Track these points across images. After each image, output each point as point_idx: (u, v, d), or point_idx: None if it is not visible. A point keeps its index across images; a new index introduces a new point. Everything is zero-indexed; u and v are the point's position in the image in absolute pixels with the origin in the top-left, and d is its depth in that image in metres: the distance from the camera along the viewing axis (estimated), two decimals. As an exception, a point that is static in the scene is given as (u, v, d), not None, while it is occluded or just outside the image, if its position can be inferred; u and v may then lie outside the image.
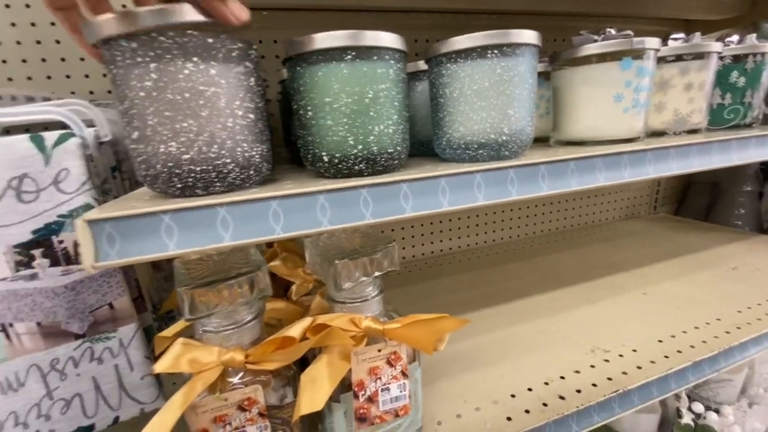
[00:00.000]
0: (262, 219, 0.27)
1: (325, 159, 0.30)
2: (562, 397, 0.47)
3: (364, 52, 0.28)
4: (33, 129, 0.53)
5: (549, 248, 0.93)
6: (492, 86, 0.32)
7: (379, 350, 0.33)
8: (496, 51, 0.31)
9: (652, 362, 0.51)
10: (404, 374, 0.34)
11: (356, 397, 0.32)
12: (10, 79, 0.58)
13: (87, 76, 0.60)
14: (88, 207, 0.35)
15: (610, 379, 0.49)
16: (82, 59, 0.59)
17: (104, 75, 0.61)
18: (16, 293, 0.34)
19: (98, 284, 0.37)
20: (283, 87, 0.47)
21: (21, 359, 0.35)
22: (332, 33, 0.27)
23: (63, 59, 0.59)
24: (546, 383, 0.50)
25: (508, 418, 0.45)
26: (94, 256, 0.24)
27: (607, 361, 0.53)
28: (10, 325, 0.34)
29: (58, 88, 0.59)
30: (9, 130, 0.53)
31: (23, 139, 0.32)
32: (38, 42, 0.58)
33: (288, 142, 0.54)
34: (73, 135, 0.34)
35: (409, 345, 0.33)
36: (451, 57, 0.32)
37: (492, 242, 0.98)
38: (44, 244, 0.34)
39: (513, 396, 0.48)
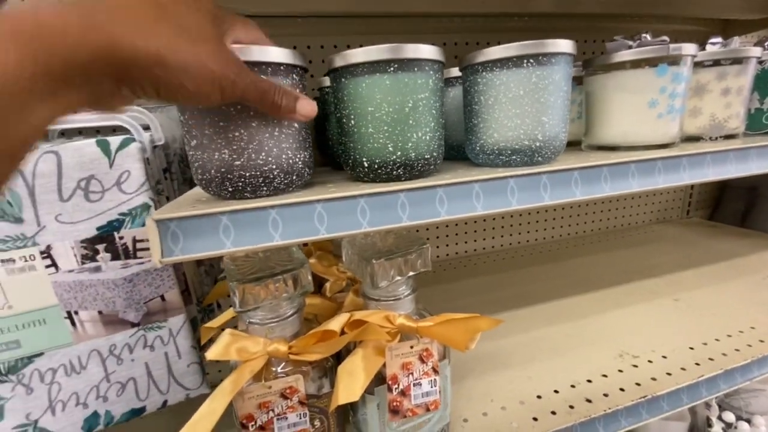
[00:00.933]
0: (308, 220, 0.29)
1: (365, 164, 0.32)
2: (589, 401, 0.47)
3: (406, 64, 0.29)
4: (85, 132, 0.58)
5: (580, 251, 0.92)
6: (527, 94, 0.33)
7: (412, 347, 0.35)
8: (531, 60, 0.32)
9: (683, 369, 0.51)
10: (435, 370, 0.36)
11: (390, 390, 0.34)
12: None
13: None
14: (146, 206, 0.38)
15: (638, 384, 0.49)
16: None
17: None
18: (82, 284, 0.37)
19: (152, 277, 0.40)
20: (321, 93, 0.49)
21: (83, 344, 0.39)
22: (376, 47, 0.29)
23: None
24: (573, 386, 0.50)
25: (534, 419, 0.45)
26: (160, 252, 0.27)
27: (635, 366, 0.53)
28: (76, 312, 0.38)
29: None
30: (64, 132, 0.57)
31: (91, 143, 0.36)
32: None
33: (321, 146, 0.56)
34: (134, 140, 0.37)
35: (441, 343, 0.34)
36: (487, 66, 0.34)
37: (522, 244, 0.98)
38: (107, 240, 0.37)
39: (539, 397, 0.49)
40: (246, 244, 0.28)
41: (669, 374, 0.50)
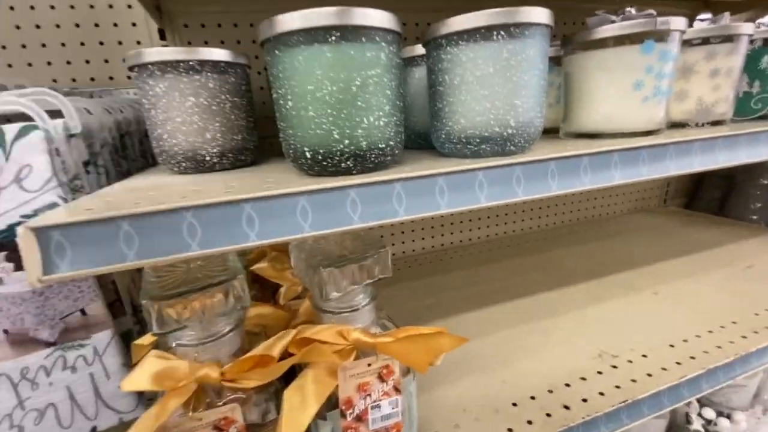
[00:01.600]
0: (234, 225, 0.24)
1: (308, 155, 0.27)
2: (566, 407, 0.44)
3: (351, 33, 0.24)
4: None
5: (553, 243, 0.89)
6: (497, 72, 0.28)
7: (369, 364, 0.31)
8: (502, 32, 0.27)
9: (664, 369, 0.49)
10: (396, 390, 0.32)
11: (343, 416, 0.30)
12: (9, 66, 0.55)
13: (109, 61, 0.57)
14: (53, 206, 0.32)
15: (618, 387, 0.46)
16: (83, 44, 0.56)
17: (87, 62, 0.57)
18: (-22, 300, 0.31)
19: (69, 289, 0.34)
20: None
21: (-13, 369, 0.33)
22: (313, 10, 0.23)
23: (63, 44, 0.56)
24: (550, 391, 0.47)
25: (510, 430, 0.42)
26: (41, 269, 0.21)
27: (615, 367, 0.50)
28: (-27, 333, 0.32)
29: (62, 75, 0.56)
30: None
31: (-23, 132, 0.29)
32: (38, 26, 0.55)
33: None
34: (36, 127, 0.31)
35: (401, 362, 0.30)
36: (452, 39, 0.29)
37: (494, 236, 0.94)
38: (8, 247, 0.31)
39: (515, 405, 0.45)
40: (153, 255, 0.23)
41: (650, 375, 0.48)
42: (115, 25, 0.58)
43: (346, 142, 0.26)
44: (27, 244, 0.21)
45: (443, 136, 0.32)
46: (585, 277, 0.72)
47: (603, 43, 0.36)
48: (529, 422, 0.43)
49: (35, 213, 0.32)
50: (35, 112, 0.32)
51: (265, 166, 0.39)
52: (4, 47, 0.55)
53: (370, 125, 0.26)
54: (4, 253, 0.32)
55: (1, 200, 0.31)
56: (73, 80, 0.58)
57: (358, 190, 0.26)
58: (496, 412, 0.44)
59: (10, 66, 0.56)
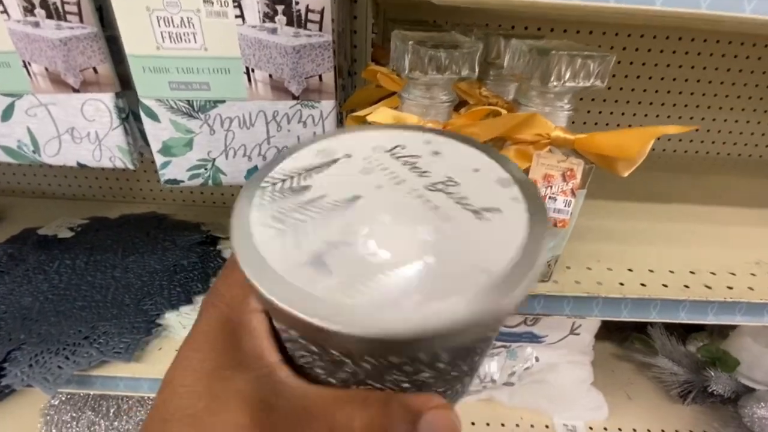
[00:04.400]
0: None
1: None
2: (708, 287, 0.45)
3: None
4: None
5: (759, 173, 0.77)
6: None
7: (558, 162, 0.34)
8: None
9: (835, 292, 0.45)
10: (573, 193, 0.35)
11: (526, 193, 0.35)
12: None
13: None
14: (322, -27, 0.38)
15: (772, 289, 0.45)
16: None
17: None
18: (260, 42, 0.41)
19: (315, 54, 0.42)
20: None
21: (254, 103, 0.44)
22: None
23: None
24: (692, 272, 0.47)
25: (642, 285, 0.45)
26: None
27: (772, 276, 0.48)
28: (252, 70, 0.42)
29: None
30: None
31: None
32: None
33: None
34: None
35: (601, 154, 0.32)
36: None
37: (693, 153, 0.84)
38: (285, 2, 0.39)
39: (651, 271, 0.47)
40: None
41: (815, 292, 0.45)
42: None
43: None
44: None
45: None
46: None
47: None
48: (664, 285, 0.45)
49: (309, -23, 0.38)
50: None
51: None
52: None
53: None
54: (282, 7, 0.40)
55: (288, -40, 0.38)
56: None
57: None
58: (630, 270, 0.47)
59: None
